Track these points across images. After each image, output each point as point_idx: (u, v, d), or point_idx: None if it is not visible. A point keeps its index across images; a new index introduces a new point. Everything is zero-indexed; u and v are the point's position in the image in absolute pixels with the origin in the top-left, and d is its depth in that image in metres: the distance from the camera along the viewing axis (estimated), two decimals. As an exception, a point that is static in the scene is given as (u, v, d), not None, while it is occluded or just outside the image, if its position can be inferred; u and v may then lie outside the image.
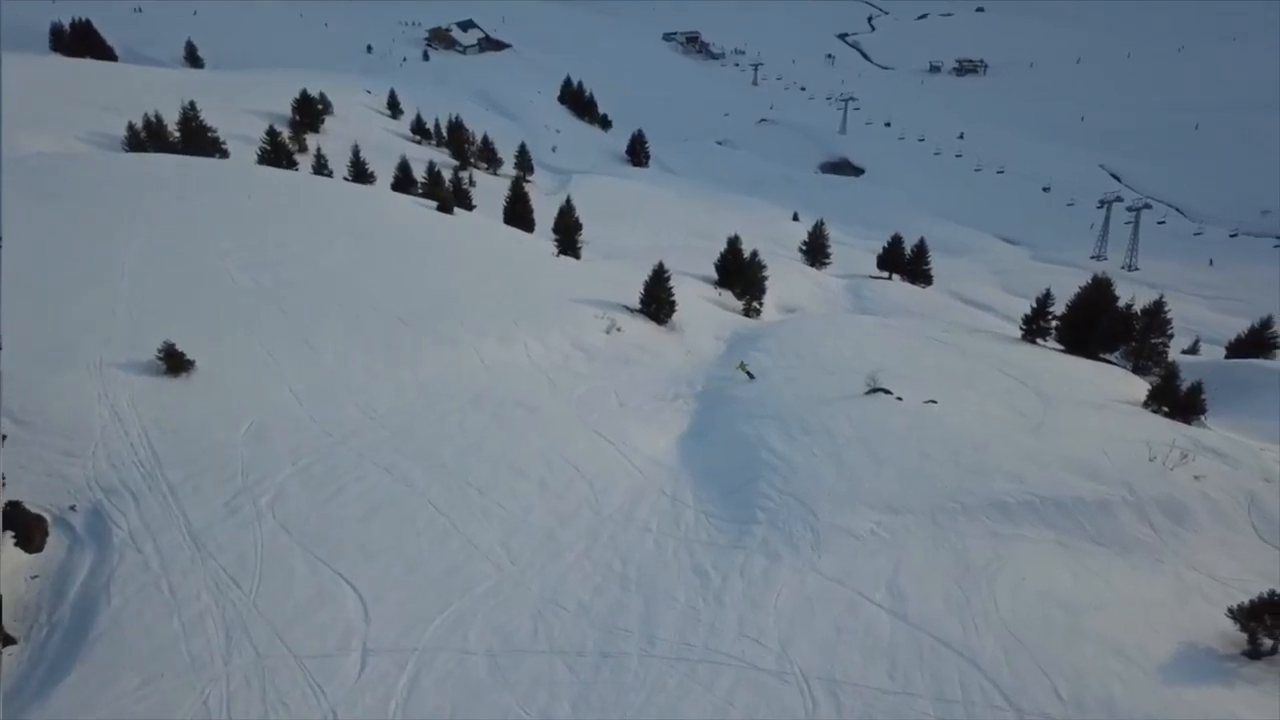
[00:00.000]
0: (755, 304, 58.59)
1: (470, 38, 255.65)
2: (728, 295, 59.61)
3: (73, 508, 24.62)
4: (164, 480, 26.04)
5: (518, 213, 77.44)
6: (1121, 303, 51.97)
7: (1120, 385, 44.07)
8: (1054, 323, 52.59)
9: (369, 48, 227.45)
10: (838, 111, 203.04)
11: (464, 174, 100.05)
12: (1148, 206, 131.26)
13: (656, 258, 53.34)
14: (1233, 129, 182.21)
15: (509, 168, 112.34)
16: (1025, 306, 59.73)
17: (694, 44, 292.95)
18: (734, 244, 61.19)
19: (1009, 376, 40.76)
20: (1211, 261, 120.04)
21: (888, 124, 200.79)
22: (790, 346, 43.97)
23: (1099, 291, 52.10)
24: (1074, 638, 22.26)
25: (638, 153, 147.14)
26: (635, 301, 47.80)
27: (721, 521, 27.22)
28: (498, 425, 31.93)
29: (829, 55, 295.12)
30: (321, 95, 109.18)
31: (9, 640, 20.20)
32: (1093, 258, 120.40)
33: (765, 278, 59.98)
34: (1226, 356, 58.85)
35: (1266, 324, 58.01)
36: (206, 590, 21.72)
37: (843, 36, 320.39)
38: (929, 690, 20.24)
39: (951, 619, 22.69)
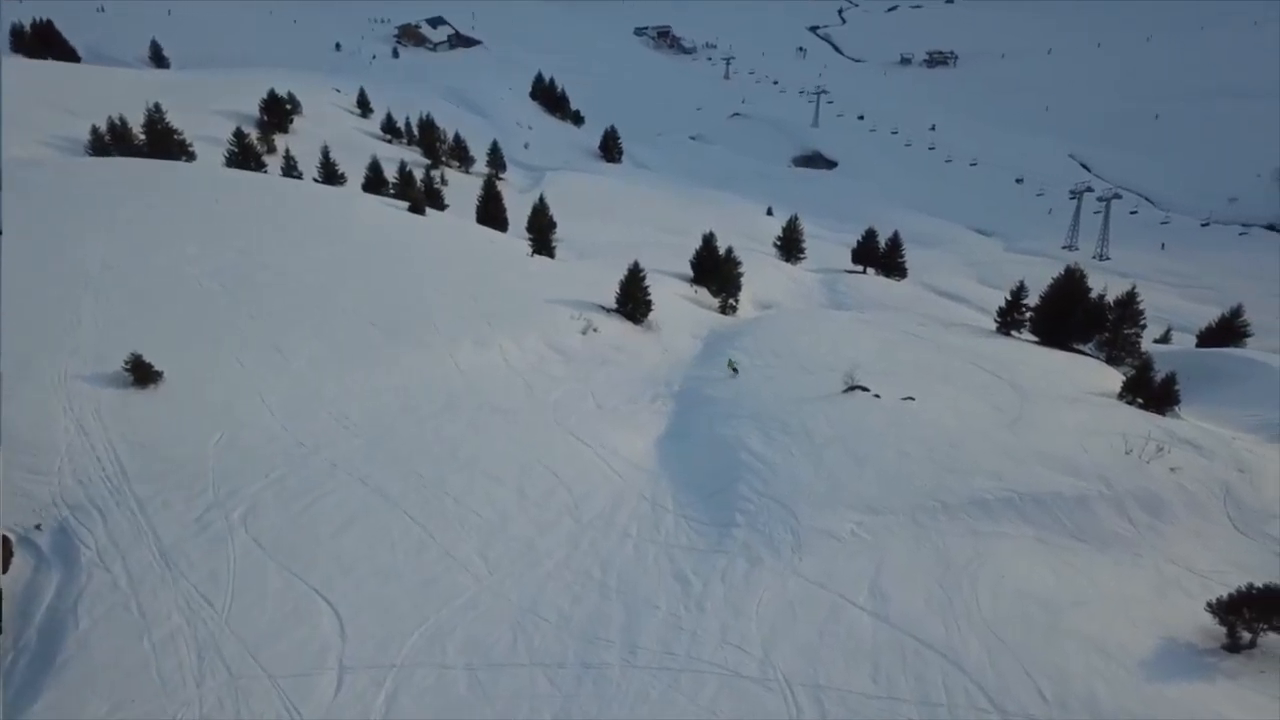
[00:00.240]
0: (731, 301, 58.44)
1: (440, 35, 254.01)
2: (704, 293, 59.44)
3: (38, 527, 24.01)
4: (132, 496, 25.46)
5: (491, 212, 76.80)
6: (1094, 293, 52.26)
7: (1095, 377, 44.33)
8: (1028, 315, 52.81)
9: (337, 45, 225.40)
10: (810, 105, 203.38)
11: (436, 173, 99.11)
12: (1117, 196, 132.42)
13: (631, 255, 53.03)
14: (1199, 118, 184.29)
15: (481, 166, 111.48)
16: (999, 298, 59.99)
17: (665, 38, 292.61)
18: (709, 241, 61.01)
19: (985, 371, 40.85)
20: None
21: (861, 117, 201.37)
22: (767, 344, 43.83)
23: (1072, 283, 52.36)
24: (1056, 636, 22.26)
25: (611, 149, 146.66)
26: (611, 301, 47.50)
27: (702, 525, 27.02)
28: (474, 431, 31.55)
29: (800, 48, 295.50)
30: (290, 95, 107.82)
31: (-27, 667, 19.66)
32: (1064, 248, 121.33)
33: (741, 274, 59.84)
34: (1197, 345, 59.46)
35: (1236, 313, 58.67)
36: (177, 609, 21.22)
37: (814, 29, 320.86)
38: (913, 694, 20.14)
39: (934, 620, 22.62)
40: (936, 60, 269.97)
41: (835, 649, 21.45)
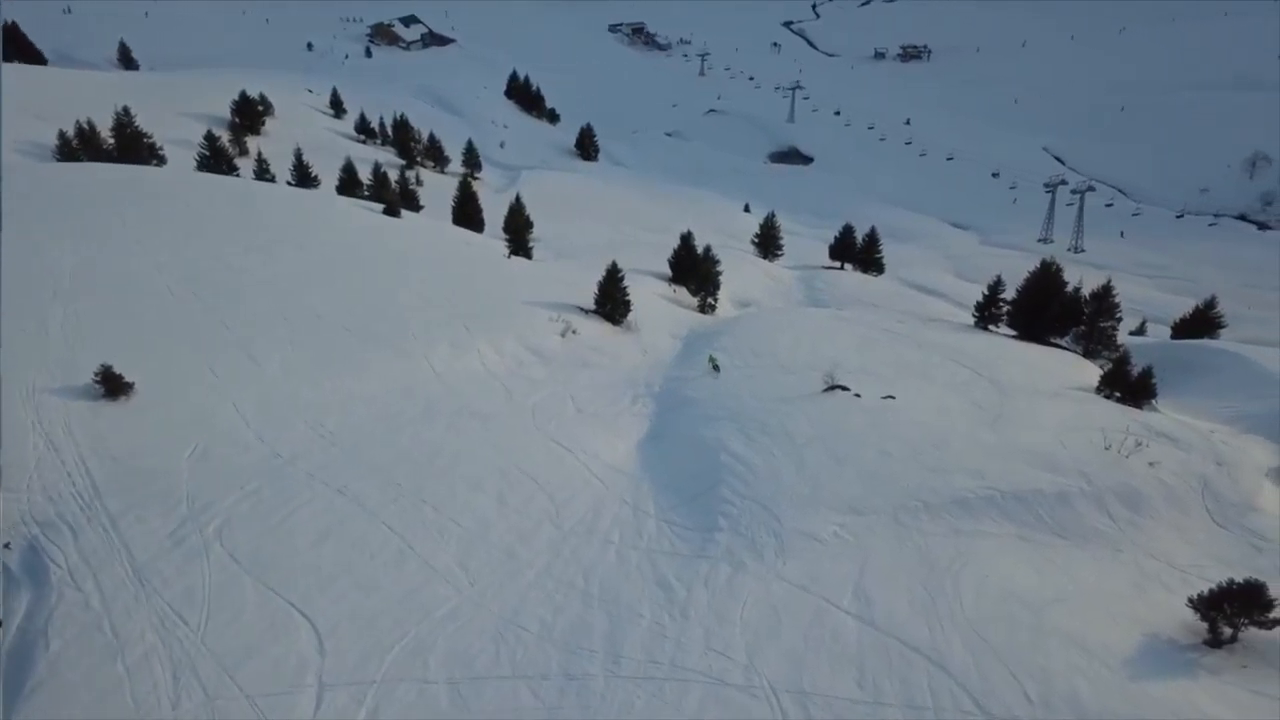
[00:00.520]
0: (710, 300, 58.30)
1: (413, 33, 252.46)
2: (682, 292, 59.30)
3: (6, 545, 23.47)
4: (104, 511, 24.94)
5: (467, 213, 76.30)
6: (1070, 286, 52.54)
7: (1073, 371, 44.54)
8: (1005, 309, 53.04)
9: (309, 45, 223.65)
10: (785, 100, 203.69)
11: (410, 173, 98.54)
12: (1091, 189, 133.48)
13: (609, 255, 52.75)
14: (1171, 109, 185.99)
15: (456, 165, 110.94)
16: (976, 292, 60.32)
17: (640, 35, 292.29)
18: (687, 240, 60.87)
19: (964, 367, 40.93)
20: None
21: (837, 112, 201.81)
22: (747, 344, 43.72)
23: (1048, 276, 52.63)
24: (1039, 636, 22.25)
25: (587, 146, 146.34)
26: (590, 302, 47.24)
27: (684, 530, 26.84)
28: (453, 438, 31.19)
29: (775, 44, 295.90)
30: (262, 96, 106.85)
31: (-60, 693, 19.18)
32: (1039, 240, 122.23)
33: (719, 273, 59.71)
34: (1172, 337, 59.98)
35: (1210, 304, 59.19)
36: (151, 629, 20.77)
37: (788, 24, 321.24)
38: (899, 698, 20.05)
39: (918, 622, 22.56)
40: (910, 55, 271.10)
41: (820, 654, 21.33)
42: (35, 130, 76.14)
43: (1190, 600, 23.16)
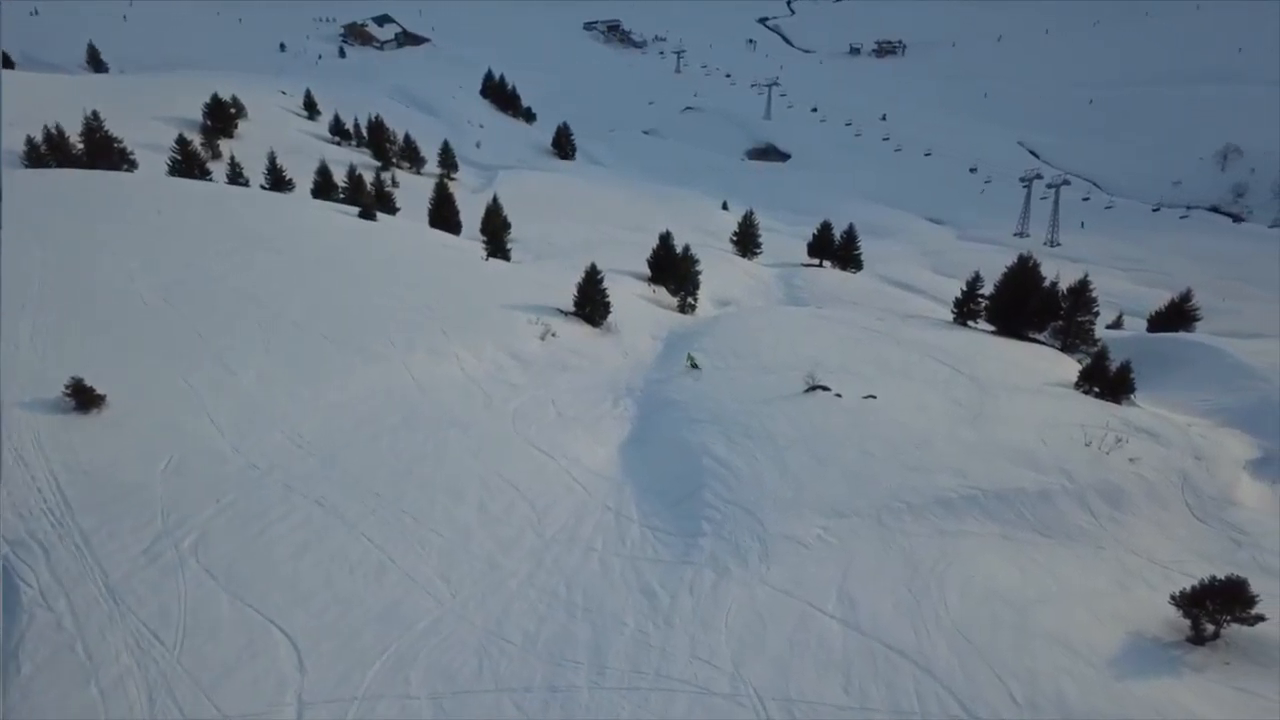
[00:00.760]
0: (690, 300, 58.17)
1: (387, 33, 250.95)
2: (662, 292, 59.13)
3: (-24, 565, 22.96)
4: (76, 528, 24.41)
5: (444, 214, 75.67)
6: (1047, 281, 52.77)
7: (1052, 366, 44.77)
8: (984, 304, 53.21)
9: (282, 46, 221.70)
10: (761, 97, 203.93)
11: (386, 175, 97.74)
12: (1066, 183, 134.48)
13: (588, 255, 52.45)
14: (1144, 102, 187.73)
15: (433, 166, 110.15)
16: (954, 287, 60.54)
17: (615, 33, 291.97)
18: (665, 240, 60.71)
19: (944, 365, 41.02)
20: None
21: (814, 109, 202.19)
22: (727, 345, 43.60)
23: (1025, 271, 52.86)
24: (1024, 636, 22.28)
25: (564, 145, 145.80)
26: (569, 304, 46.93)
27: (667, 535, 26.66)
28: (432, 446, 30.83)
29: (750, 40, 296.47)
30: (234, 98, 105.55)
31: (-92, 720, 18.70)
32: (1016, 235, 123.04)
33: (699, 272, 59.63)
34: (1149, 330, 60.42)
35: (1186, 297, 59.66)
36: (126, 649, 20.34)
37: (763, 21, 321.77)
38: (885, 703, 19.98)
39: (903, 625, 22.51)
40: (885, 50, 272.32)
41: (806, 660, 21.23)
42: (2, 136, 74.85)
43: (1173, 597, 23.25)
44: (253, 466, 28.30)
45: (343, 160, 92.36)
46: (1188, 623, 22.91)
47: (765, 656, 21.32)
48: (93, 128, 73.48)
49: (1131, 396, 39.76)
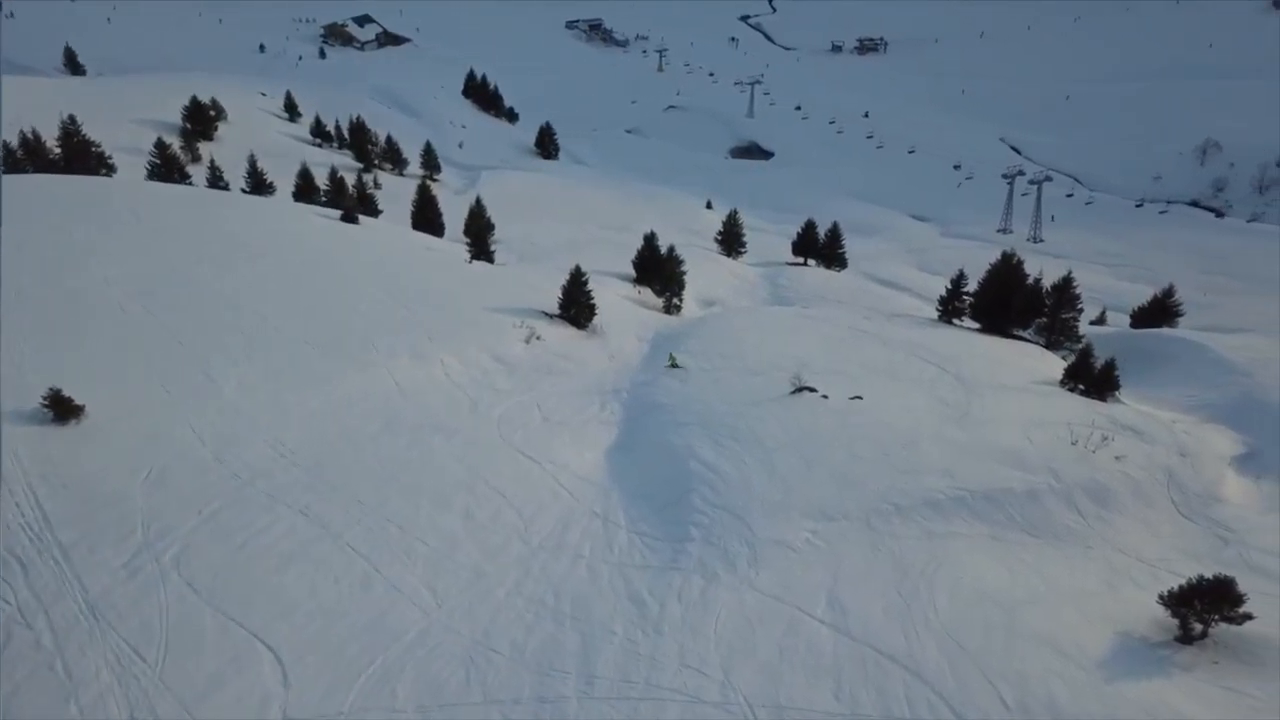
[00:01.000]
0: (675, 301, 58.00)
1: (368, 33, 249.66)
2: (647, 293, 58.94)
3: (-48, 583, 22.54)
4: (55, 543, 24.02)
5: (426, 216, 75.20)
6: (1031, 277, 52.92)
7: (1037, 364, 44.86)
8: (969, 302, 53.28)
9: (261, 47, 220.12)
10: (744, 95, 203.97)
11: (368, 177, 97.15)
12: (1048, 179, 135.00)
13: (573, 256, 52.27)
14: (1124, 97, 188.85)
15: (415, 168, 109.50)
16: (939, 284, 60.67)
17: (597, 32, 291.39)
18: (650, 240, 60.50)
19: (930, 364, 41.01)
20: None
21: (798, 107, 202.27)
22: (714, 346, 43.46)
23: (1009, 268, 52.97)
24: (1014, 639, 22.23)
25: (546, 145, 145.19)
26: (554, 306, 46.67)
27: (655, 541, 26.50)
28: (416, 453, 30.57)
29: (732, 38, 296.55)
30: (214, 101, 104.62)
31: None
32: (999, 231, 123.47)
33: (684, 273, 59.45)
34: (1131, 325, 60.66)
35: (1168, 292, 59.94)
36: (107, 667, 20.01)
37: (745, 19, 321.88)
38: (876, 709, 19.88)
39: (893, 629, 22.43)
40: (867, 47, 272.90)
41: (796, 666, 21.11)
42: (-23, 141, 73.89)
43: (1161, 597, 23.25)
44: (235, 476, 27.94)
45: (324, 162, 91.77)
46: (1176, 622, 22.91)
47: (755, 663, 21.19)
48: (70, 132, 72.66)
49: (1116, 394, 39.86)
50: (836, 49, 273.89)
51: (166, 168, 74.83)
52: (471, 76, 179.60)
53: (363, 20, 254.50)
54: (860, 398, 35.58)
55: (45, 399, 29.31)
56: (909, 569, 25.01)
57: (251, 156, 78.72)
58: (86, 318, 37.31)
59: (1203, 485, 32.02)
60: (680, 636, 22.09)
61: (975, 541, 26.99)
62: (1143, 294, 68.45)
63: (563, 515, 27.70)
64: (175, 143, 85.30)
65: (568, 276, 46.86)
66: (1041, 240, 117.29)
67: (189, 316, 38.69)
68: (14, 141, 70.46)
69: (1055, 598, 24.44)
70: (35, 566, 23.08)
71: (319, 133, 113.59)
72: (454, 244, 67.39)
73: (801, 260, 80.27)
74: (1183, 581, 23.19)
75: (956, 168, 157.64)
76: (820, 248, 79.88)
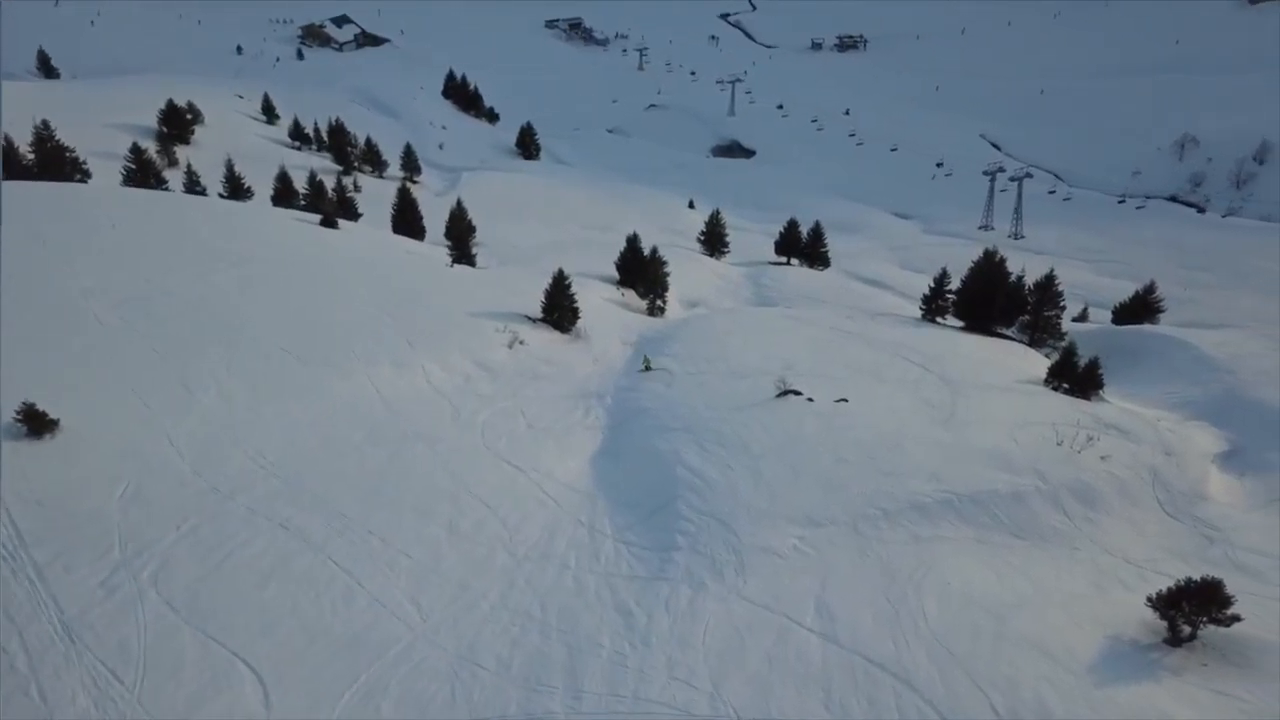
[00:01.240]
0: (659, 302, 57.79)
1: (346, 34, 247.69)
2: (631, 295, 58.68)
3: (-77, 604, 22.04)
4: (29, 561, 23.53)
5: (407, 220, 74.66)
6: (1013, 275, 53.00)
7: (1021, 362, 44.93)
8: (951, 300, 53.30)
9: (238, 48, 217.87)
10: (725, 94, 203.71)
11: (348, 180, 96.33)
12: (1029, 175, 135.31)
13: (555, 257, 51.89)
14: (1102, 93, 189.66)
15: (395, 169, 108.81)
16: (921, 282, 60.72)
17: (577, 31, 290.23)
18: (633, 242, 60.26)
19: (914, 364, 40.96)
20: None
21: (779, 105, 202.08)
22: (698, 349, 43.24)
23: (991, 266, 53.02)
24: (1003, 644, 22.13)
25: (528, 145, 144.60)
26: (537, 310, 46.33)
27: (642, 550, 26.25)
28: (399, 463, 30.20)
29: (713, 36, 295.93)
30: (190, 104, 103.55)
31: None
32: (980, 228, 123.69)
33: (667, 274, 59.24)
34: (1113, 322, 60.90)
35: (1150, 289, 60.19)
36: (83, 690, 19.58)
37: (725, 17, 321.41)
38: (866, 718, 19.70)
39: (882, 636, 22.28)
40: (847, 45, 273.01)
41: (786, 676, 20.93)
42: (-51, 147, 72.69)
43: (1149, 599, 23.21)
44: (214, 490, 27.51)
45: (303, 165, 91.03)
46: (1164, 624, 22.88)
47: (744, 674, 20.99)
48: (43, 137, 71.61)
49: (1100, 392, 39.92)
50: (817, 47, 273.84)
51: (142, 173, 73.86)
52: (451, 77, 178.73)
53: (340, 21, 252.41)
54: (845, 400, 35.43)
55: (18, 413, 28.77)
56: (897, 574, 24.88)
57: (229, 160, 77.94)
58: (62, 330, 36.67)
59: (1187, 484, 32.10)
60: (668, 648, 21.87)
61: (962, 545, 26.90)
62: (1124, 290, 68.67)
63: (548, 524, 27.42)
64: (151, 147, 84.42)
65: (550, 279, 46.53)
66: (1023, 236, 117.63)
67: (166, 327, 38.15)
68: (-14, 148, 69.36)
69: (1043, 601, 24.37)
70: (9, 586, 22.59)
71: (297, 135, 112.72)
72: (435, 247, 66.91)
73: (784, 259, 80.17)
74: (1170, 582, 23.18)
75: (939, 165, 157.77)
76: (803, 247, 79.82)
